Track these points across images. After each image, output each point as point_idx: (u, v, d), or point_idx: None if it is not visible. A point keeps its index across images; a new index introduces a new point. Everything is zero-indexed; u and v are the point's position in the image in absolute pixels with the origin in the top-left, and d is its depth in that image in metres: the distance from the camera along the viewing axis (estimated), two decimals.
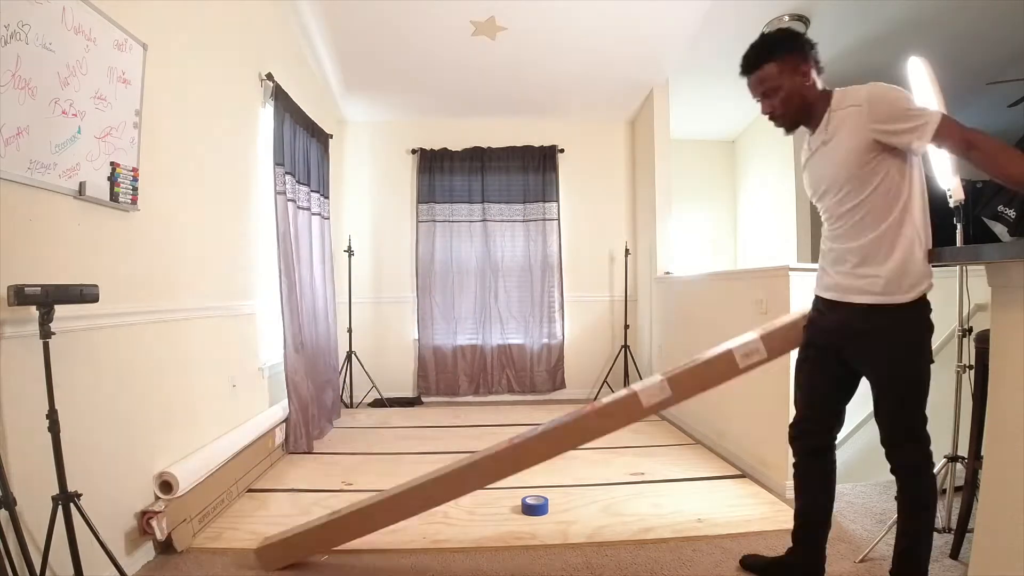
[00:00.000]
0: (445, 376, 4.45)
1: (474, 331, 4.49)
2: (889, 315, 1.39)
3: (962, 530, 1.78)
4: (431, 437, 3.35)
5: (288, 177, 3.01)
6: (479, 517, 2.16)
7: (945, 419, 1.98)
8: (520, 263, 4.50)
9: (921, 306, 1.40)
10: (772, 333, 1.68)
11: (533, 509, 2.17)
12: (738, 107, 4.57)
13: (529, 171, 4.50)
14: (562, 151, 4.55)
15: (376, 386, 4.32)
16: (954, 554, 1.77)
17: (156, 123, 1.92)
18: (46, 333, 1.33)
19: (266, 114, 2.95)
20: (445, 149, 4.49)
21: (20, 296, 1.27)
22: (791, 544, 1.68)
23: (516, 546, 1.92)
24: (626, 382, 4.36)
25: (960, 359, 1.88)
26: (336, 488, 2.47)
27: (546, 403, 4.33)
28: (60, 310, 1.38)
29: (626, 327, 4.43)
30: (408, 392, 4.48)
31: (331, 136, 3.93)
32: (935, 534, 1.86)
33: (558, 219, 4.49)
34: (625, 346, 4.39)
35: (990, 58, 3.52)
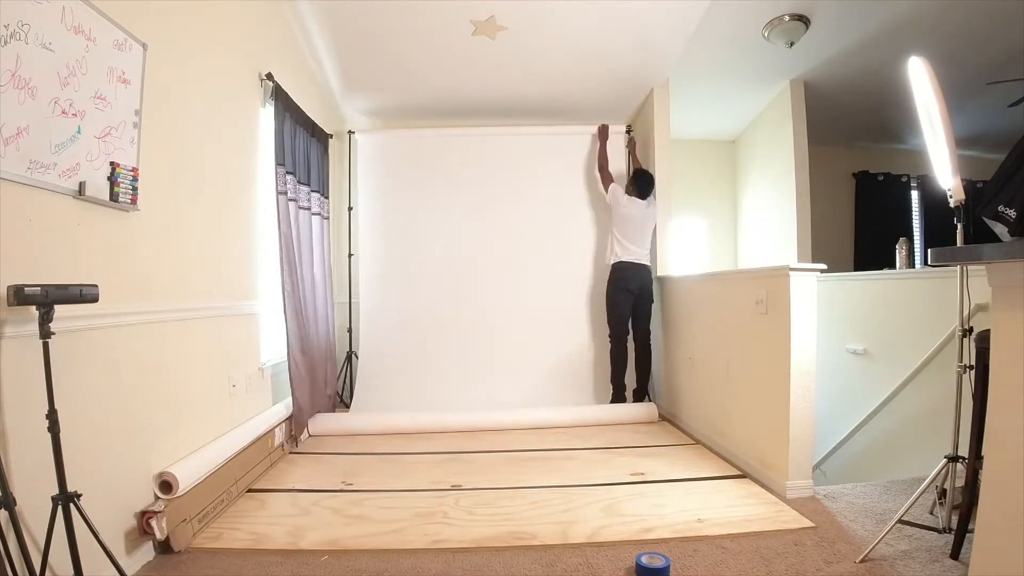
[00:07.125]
0: None
1: None
2: None
3: (962, 530, 1.78)
4: (431, 437, 3.34)
5: (289, 177, 3.01)
6: (479, 517, 2.16)
7: (945, 419, 1.98)
8: None
9: None
10: None
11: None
12: (738, 107, 4.58)
13: None
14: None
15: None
16: (954, 554, 1.77)
17: (156, 123, 1.92)
18: (46, 333, 1.33)
19: (266, 114, 2.95)
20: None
21: (20, 296, 1.27)
22: None
23: (516, 546, 1.92)
24: None
25: (960, 359, 1.88)
26: (336, 488, 2.47)
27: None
28: (60, 310, 1.38)
29: None
30: None
31: (331, 136, 3.93)
32: (936, 534, 1.87)
33: None
34: None
35: (990, 58, 3.52)
